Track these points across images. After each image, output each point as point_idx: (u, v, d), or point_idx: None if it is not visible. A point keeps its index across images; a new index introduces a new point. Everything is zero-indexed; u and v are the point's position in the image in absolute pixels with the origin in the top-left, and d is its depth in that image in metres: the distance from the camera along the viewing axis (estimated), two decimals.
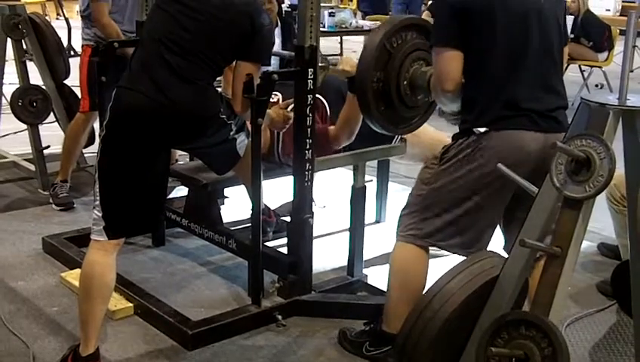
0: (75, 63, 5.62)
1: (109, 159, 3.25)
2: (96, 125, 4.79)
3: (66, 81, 5.83)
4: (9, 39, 5.62)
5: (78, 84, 5.33)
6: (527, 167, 2.98)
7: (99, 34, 5.08)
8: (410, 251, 3.26)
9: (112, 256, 3.26)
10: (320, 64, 3.71)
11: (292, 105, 4.09)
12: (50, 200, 5.30)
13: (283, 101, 4.22)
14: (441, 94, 3.12)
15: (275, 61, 5.39)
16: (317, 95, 3.76)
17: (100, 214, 3.22)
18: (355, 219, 4.02)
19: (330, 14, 9.54)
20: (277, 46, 5.55)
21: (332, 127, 4.23)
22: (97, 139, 4.60)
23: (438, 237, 3.21)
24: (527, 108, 3.03)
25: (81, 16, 5.35)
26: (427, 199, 3.21)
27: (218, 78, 4.09)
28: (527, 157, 3.00)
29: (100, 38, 5.01)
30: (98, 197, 3.23)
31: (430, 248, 3.29)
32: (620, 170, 2.41)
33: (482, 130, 3.05)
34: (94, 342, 3.23)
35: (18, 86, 5.64)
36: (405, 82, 3.49)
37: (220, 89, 4.30)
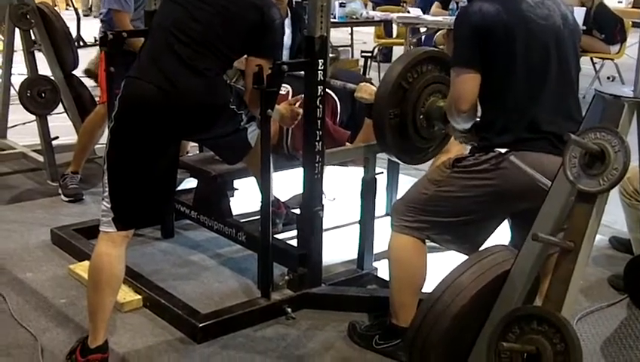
0: (83, 54, 5.62)
1: (118, 150, 3.24)
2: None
3: (74, 72, 5.82)
4: (17, 29, 5.60)
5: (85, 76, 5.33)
6: (545, 189, 2.98)
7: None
8: (408, 241, 3.28)
9: (122, 248, 3.24)
10: (330, 55, 3.68)
11: (301, 100, 4.08)
12: (60, 191, 5.30)
13: (293, 94, 4.20)
14: (456, 114, 3.13)
15: (285, 52, 5.37)
16: (327, 90, 3.74)
17: (109, 205, 3.20)
18: (366, 212, 4.00)
19: (341, 5, 9.53)
20: (287, 37, 5.53)
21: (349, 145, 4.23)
22: (106, 131, 4.62)
23: (433, 233, 3.25)
24: (547, 131, 3.05)
25: (100, 20, 5.36)
26: (431, 200, 3.23)
27: None
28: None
29: None
30: (107, 189, 3.22)
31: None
32: (633, 163, 2.38)
33: (503, 150, 3.07)
34: (103, 334, 3.22)
35: (26, 76, 5.63)
36: (421, 116, 3.53)
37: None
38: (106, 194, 3.22)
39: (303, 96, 4.02)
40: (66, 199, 5.24)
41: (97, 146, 5.82)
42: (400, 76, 3.47)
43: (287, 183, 4.56)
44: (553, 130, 3.03)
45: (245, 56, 3.48)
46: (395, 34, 11.06)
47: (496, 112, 3.11)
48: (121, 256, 3.24)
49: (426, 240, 3.30)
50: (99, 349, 3.21)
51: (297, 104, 3.96)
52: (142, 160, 3.25)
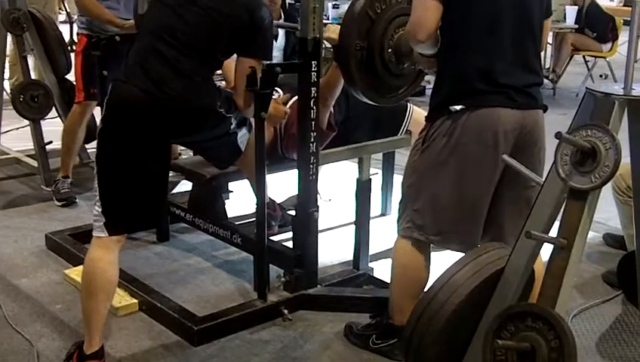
0: None
1: (107, 154, 3.23)
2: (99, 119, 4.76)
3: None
4: (9, 34, 5.60)
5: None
6: (505, 145, 2.98)
7: (93, 22, 5.03)
8: (409, 245, 3.23)
9: (114, 253, 3.23)
10: (323, 56, 3.69)
11: (291, 101, 4.07)
12: (53, 197, 5.29)
13: (285, 98, 4.19)
14: (415, 43, 3.09)
15: (278, 53, 5.38)
16: None
17: (100, 210, 3.19)
18: (361, 212, 4.01)
19: (334, 6, 9.53)
20: (280, 38, 5.54)
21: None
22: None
23: (430, 232, 3.15)
24: (503, 83, 2.99)
25: (77, 4, 5.29)
26: (415, 187, 3.18)
27: (219, 72, 4.06)
28: (504, 136, 2.97)
29: (94, 26, 4.99)
30: (98, 193, 3.21)
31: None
32: (625, 159, 2.39)
33: (458, 108, 3.00)
34: (98, 339, 3.21)
35: (19, 81, 5.63)
36: (390, 50, 3.45)
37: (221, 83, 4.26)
38: (97, 198, 3.21)
39: (289, 95, 4.03)
40: (59, 204, 5.23)
41: (91, 150, 5.83)
42: (367, 5, 3.39)
43: (283, 185, 4.56)
44: (508, 82, 2.98)
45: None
46: None
47: (449, 62, 3.05)
48: (113, 261, 3.23)
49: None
50: (95, 355, 3.20)
51: (289, 104, 3.97)
52: (130, 163, 3.23)
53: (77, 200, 5.28)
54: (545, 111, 3.13)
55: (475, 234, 3.15)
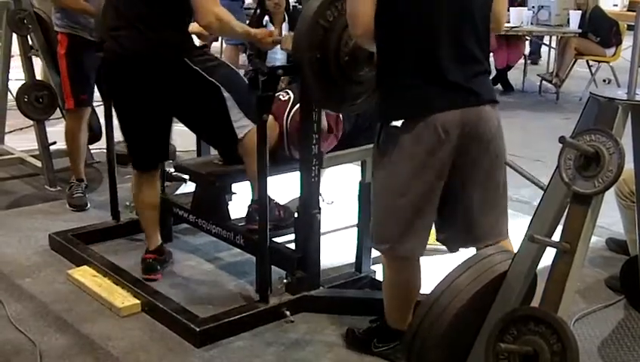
0: None
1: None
2: (102, 121, 4.75)
3: None
4: (14, 34, 5.59)
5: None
6: (448, 148, 2.92)
7: (70, 17, 4.94)
8: (388, 259, 3.22)
9: (154, 179, 4.12)
10: None
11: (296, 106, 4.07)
12: (64, 199, 5.26)
13: (295, 101, 4.17)
14: (354, 37, 3.10)
15: (283, 56, 5.39)
16: None
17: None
18: (364, 215, 4.00)
19: None
20: None
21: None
22: (104, 136, 4.62)
23: (391, 241, 3.11)
24: (439, 84, 2.89)
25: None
26: (373, 199, 3.19)
27: None
28: (447, 139, 2.90)
29: (73, 23, 4.94)
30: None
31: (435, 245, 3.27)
32: (628, 164, 2.40)
33: (398, 123, 2.95)
34: (154, 240, 4.15)
35: (24, 82, 5.62)
36: (346, 57, 3.37)
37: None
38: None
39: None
40: (70, 209, 5.17)
41: (95, 151, 5.85)
42: (317, 14, 3.29)
43: (287, 187, 4.57)
44: (445, 81, 2.88)
45: None
46: None
47: (385, 69, 2.98)
48: (154, 184, 4.16)
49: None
50: (154, 252, 4.14)
51: (294, 109, 3.99)
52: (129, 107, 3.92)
53: (88, 207, 5.21)
54: (494, 104, 3.03)
55: (424, 242, 3.12)
